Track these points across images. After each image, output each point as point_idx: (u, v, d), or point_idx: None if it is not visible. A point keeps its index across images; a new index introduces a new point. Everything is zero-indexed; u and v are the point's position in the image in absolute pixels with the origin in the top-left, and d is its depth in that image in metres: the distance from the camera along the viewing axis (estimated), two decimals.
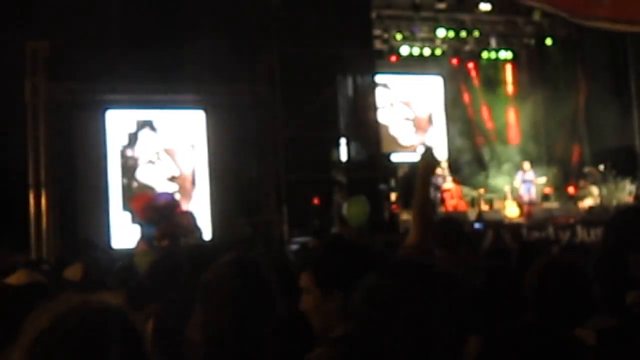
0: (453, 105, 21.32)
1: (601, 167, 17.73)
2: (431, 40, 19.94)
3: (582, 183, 18.13)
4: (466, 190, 17.86)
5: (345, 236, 10.49)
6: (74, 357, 1.42)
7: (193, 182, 16.99)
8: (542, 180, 18.16)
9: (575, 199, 18.00)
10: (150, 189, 16.08)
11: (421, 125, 21.33)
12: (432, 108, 21.46)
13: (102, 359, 1.43)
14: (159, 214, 13.61)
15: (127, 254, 11.88)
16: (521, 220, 16.91)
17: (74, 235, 15.57)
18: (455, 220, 4.54)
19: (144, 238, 13.42)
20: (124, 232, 15.25)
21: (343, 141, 16.60)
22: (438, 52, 20.15)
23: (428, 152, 3.62)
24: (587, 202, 17.41)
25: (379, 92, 17.81)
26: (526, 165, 18.08)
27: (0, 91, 14.70)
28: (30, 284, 3.26)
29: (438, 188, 16.69)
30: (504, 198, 17.63)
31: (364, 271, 2.29)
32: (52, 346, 1.43)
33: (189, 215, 14.04)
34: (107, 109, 16.65)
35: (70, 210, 15.87)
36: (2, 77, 14.41)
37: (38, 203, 15.11)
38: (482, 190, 18.10)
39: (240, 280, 2.50)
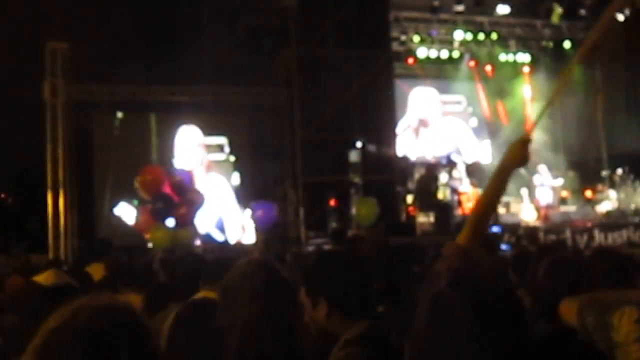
0: (470, 108, 21.22)
1: (619, 171, 17.61)
2: (449, 43, 19.88)
3: (599, 187, 17.98)
4: None
5: (363, 238, 10.47)
6: (82, 356, 1.41)
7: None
8: (559, 182, 18.06)
9: (593, 202, 17.84)
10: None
11: (435, 127, 21.23)
12: (447, 111, 21.35)
13: (110, 358, 1.42)
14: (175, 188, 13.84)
15: (146, 253, 11.95)
16: (538, 223, 16.82)
17: (92, 235, 15.67)
18: None
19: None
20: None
21: (360, 143, 16.58)
22: (455, 54, 20.06)
23: (522, 143, 2.75)
24: (604, 206, 17.29)
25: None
26: (542, 168, 17.96)
27: (19, 91, 14.84)
28: (60, 285, 3.24)
29: (455, 191, 16.62)
30: (521, 201, 17.53)
31: (348, 282, 2.49)
32: (60, 346, 1.42)
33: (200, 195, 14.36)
34: (126, 110, 16.70)
35: (88, 211, 15.96)
36: (21, 78, 14.53)
37: (56, 203, 15.18)
38: None
39: (263, 280, 2.52)
